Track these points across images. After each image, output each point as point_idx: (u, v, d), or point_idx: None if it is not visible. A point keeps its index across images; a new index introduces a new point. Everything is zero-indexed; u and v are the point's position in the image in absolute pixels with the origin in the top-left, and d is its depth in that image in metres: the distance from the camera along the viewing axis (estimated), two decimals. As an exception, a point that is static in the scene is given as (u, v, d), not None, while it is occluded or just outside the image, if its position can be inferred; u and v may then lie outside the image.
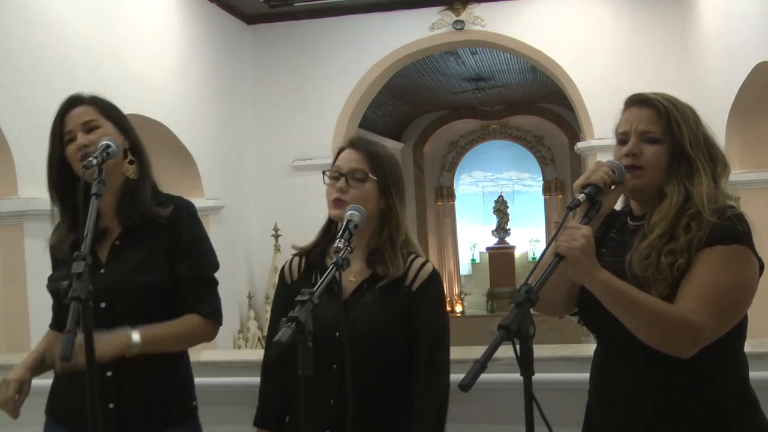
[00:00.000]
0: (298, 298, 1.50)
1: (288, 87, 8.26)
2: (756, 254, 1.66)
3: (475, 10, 7.90)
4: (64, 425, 1.99)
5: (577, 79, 7.73)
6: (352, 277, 1.98)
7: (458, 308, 13.89)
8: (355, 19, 8.14)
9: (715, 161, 1.74)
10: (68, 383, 1.95)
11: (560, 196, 13.87)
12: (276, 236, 7.83)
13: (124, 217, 1.99)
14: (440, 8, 7.95)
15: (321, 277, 1.62)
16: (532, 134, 14.10)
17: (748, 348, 1.74)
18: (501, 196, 14.36)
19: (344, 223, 1.82)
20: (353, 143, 2.04)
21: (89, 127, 1.97)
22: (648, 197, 1.76)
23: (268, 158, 8.26)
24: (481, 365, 1.31)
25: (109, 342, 1.82)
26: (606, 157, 1.82)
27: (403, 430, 1.92)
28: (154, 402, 1.95)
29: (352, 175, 1.96)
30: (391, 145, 12.59)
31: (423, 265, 2.00)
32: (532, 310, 1.43)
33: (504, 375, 2.20)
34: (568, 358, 2.73)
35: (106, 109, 2.03)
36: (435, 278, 1.99)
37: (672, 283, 1.63)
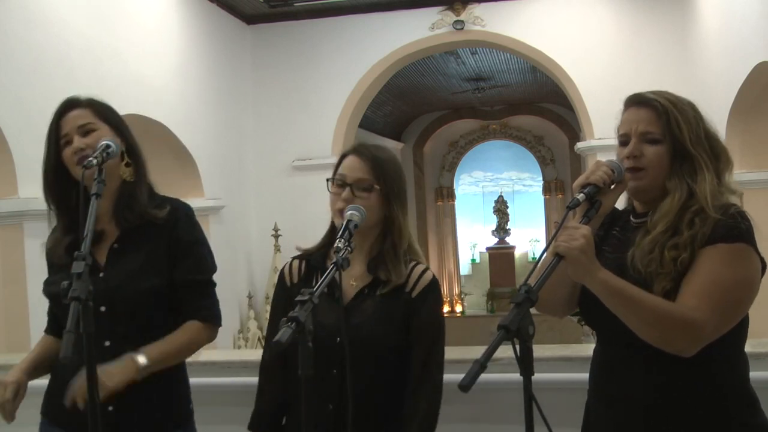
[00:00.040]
0: (298, 298, 1.50)
1: (288, 87, 8.26)
2: (758, 253, 1.66)
3: (475, 10, 7.90)
4: (60, 426, 1.99)
5: (577, 79, 7.73)
6: (353, 281, 1.98)
7: (458, 308, 13.89)
8: (355, 19, 8.15)
9: (717, 157, 1.74)
10: (65, 384, 1.95)
11: (560, 196, 13.87)
12: (276, 236, 7.84)
13: (121, 219, 1.99)
14: (440, 8, 7.96)
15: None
16: (532, 134, 14.10)
17: (748, 348, 1.74)
18: (501, 196, 14.36)
19: (344, 223, 1.82)
20: (358, 150, 2.01)
21: (85, 130, 1.97)
22: (651, 198, 1.76)
23: (268, 158, 8.26)
24: (481, 365, 1.31)
25: (118, 373, 1.84)
26: (606, 157, 1.82)
27: None
28: (153, 404, 1.95)
29: (358, 185, 1.95)
30: (391, 145, 12.59)
31: (423, 272, 2.00)
32: (532, 310, 1.43)
33: (504, 375, 2.20)
34: (567, 358, 2.73)
35: (102, 111, 2.02)
36: (435, 285, 2.01)
37: (675, 278, 1.63)
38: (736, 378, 1.70)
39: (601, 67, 7.62)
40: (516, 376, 1.42)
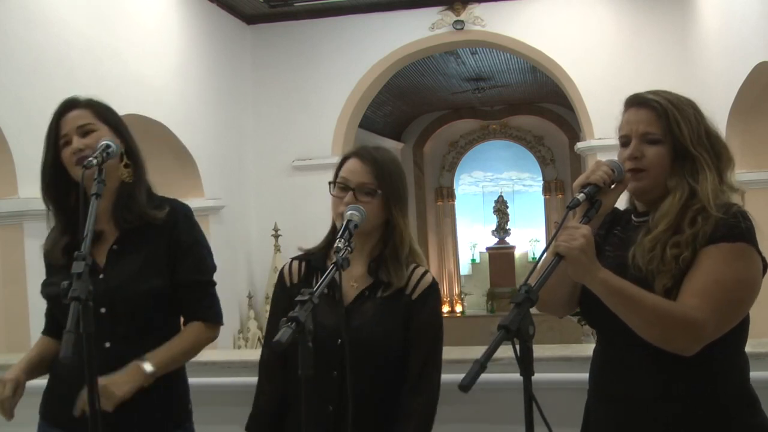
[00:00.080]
0: (298, 298, 1.50)
1: (288, 87, 8.26)
2: (760, 253, 1.66)
3: (475, 10, 7.90)
4: (58, 427, 1.99)
5: (577, 79, 7.73)
6: (353, 283, 1.98)
7: (458, 308, 13.90)
8: (355, 19, 8.14)
9: (718, 155, 1.74)
10: (64, 385, 1.95)
11: (560, 196, 13.88)
12: (276, 236, 7.84)
13: (120, 220, 1.99)
14: (440, 8, 7.96)
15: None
16: (532, 134, 14.11)
17: (748, 348, 1.74)
18: (501, 196, 14.37)
19: (344, 223, 1.82)
20: (360, 153, 2.01)
21: (85, 131, 1.97)
22: (653, 198, 1.75)
23: (268, 158, 8.26)
24: (481, 365, 1.30)
25: (126, 381, 1.86)
26: (606, 157, 1.82)
27: None
28: (152, 404, 1.95)
29: (361, 189, 1.95)
30: (391, 145, 12.60)
31: (424, 274, 2.01)
32: (532, 310, 1.43)
33: (504, 375, 2.20)
34: (567, 358, 2.73)
35: (101, 112, 2.02)
36: (435, 288, 2.01)
37: (676, 275, 1.63)
38: (737, 378, 1.70)
39: (601, 67, 7.62)
40: (516, 376, 1.42)
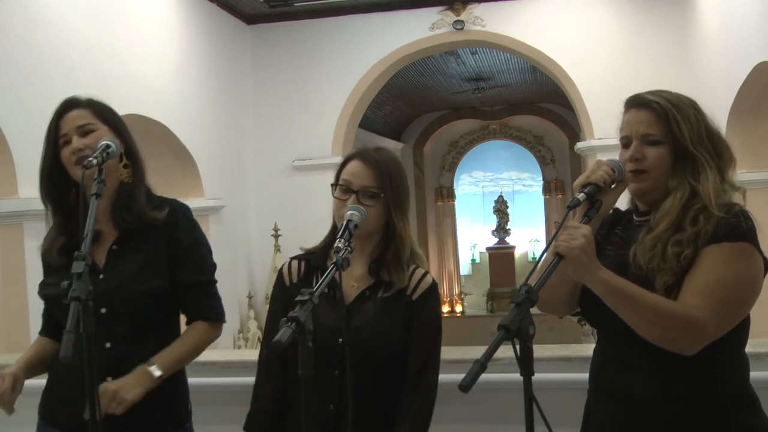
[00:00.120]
0: (298, 298, 1.50)
1: (288, 87, 8.26)
2: (761, 252, 1.66)
3: (475, 10, 7.90)
4: (57, 427, 1.99)
5: (577, 79, 7.73)
6: (354, 282, 1.98)
7: (458, 308, 13.89)
8: (355, 19, 8.14)
9: (720, 154, 1.74)
10: (63, 385, 1.95)
11: (560, 196, 13.87)
12: (276, 236, 7.84)
13: (119, 220, 1.99)
14: (440, 8, 7.96)
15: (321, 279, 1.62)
16: (532, 134, 14.10)
17: (748, 348, 1.74)
18: (501, 196, 14.36)
19: (344, 223, 1.82)
20: (363, 155, 2.00)
21: (84, 131, 1.97)
22: (654, 199, 1.75)
23: (268, 158, 8.26)
24: (481, 365, 1.31)
25: (135, 385, 1.87)
26: (606, 157, 1.82)
27: None
28: (152, 404, 1.95)
29: (364, 193, 1.95)
30: (391, 145, 12.60)
31: (424, 275, 2.02)
32: (533, 310, 1.43)
33: (504, 375, 2.20)
34: (567, 358, 2.73)
35: (102, 112, 2.02)
36: (434, 289, 2.02)
37: (677, 273, 1.63)
38: (737, 378, 1.70)
39: (601, 67, 7.62)
40: (516, 376, 1.42)
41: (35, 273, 2.09)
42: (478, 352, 1.37)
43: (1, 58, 4.62)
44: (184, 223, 2.05)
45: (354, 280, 1.98)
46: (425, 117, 14.08)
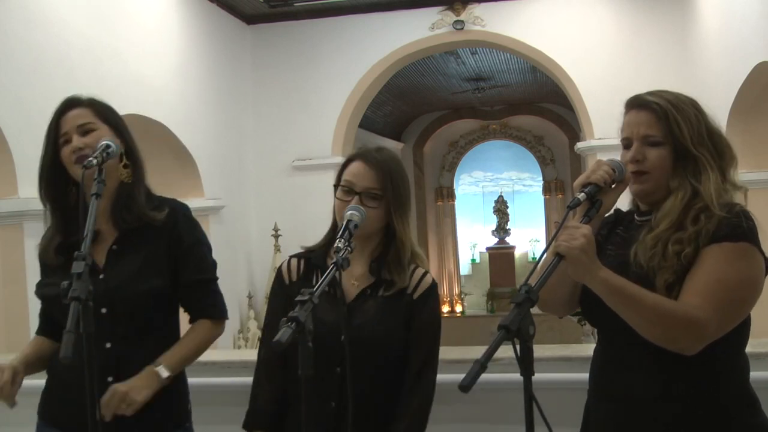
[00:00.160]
0: (298, 297, 1.50)
1: (288, 87, 8.26)
2: (762, 252, 1.66)
3: (475, 10, 7.90)
4: (56, 427, 1.98)
5: (577, 79, 7.74)
6: (354, 281, 1.98)
7: (458, 308, 13.89)
8: (355, 19, 8.15)
9: (721, 154, 1.74)
10: (62, 385, 1.95)
11: (560, 196, 13.87)
12: (276, 236, 7.84)
13: (119, 220, 1.99)
14: (440, 8, 7.96)
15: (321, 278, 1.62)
16: (532, 134, 14.10)
17: (748, 348, 1.74)
18: (501, 196, 14.36)
19: (344, 223, 1.82)
20: (365, 156, 2.00)
21: (85, 130, 1.96)
22: (656, 199, 1.75)
23: (268, 158, 8.26)
24: (482, 365, 1.31)
25: (143, 386, 1.88)
26: (606, 157, 1.82)
27: None
28: (152, 404, 1.95)
29: (367, 194, 1.95)
30: (391, 145, 12.59)
31: (424, 275, 2.02)
32: (533, 310, 1.43)
33: (504, 375, 2.20)
34: (568, 358, 2.73)
35: (102, 111, 2.02)
36: (434, 289, 2.03)
37: (678, 271, 1.63)
38: (737, 378, 1.70)
39: (601, 67, 7.62)
40: (516, 376, 1.42)
41: (35, 273, 2.09)
42: (478, 352, 1.37)
43: (1, 58, 4.62)
44: (184, 222, 2.05)
45: (354, 279, 1.98)
46: (425, 117, 14.08)
